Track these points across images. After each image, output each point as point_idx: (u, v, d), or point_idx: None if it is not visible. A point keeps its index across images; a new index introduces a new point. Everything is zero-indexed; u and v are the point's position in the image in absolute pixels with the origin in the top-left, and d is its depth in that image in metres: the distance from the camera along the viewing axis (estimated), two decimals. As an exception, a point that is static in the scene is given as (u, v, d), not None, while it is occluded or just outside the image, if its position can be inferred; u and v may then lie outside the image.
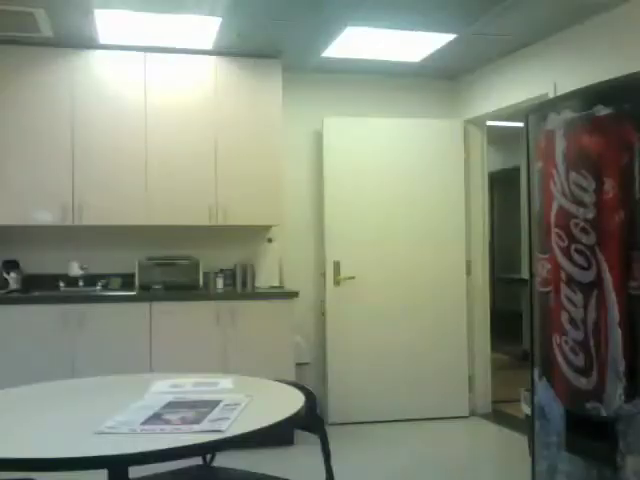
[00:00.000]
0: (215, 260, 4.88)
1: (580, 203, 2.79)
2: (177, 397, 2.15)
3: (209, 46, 4.48)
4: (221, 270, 4.76)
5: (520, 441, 4.17)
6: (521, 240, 7.46)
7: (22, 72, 4.35)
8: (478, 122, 5.27)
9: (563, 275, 2.89)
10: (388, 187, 5.04)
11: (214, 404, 2.02)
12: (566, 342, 2.89)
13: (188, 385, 2.35)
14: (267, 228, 4.97)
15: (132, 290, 4.52)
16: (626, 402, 2.62)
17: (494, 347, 5.42)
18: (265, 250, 4.84)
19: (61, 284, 4.59)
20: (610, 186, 2.67)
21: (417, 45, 4.49)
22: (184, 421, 1.85)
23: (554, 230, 2.93)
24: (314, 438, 2.21)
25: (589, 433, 2.78)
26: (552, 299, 2.97)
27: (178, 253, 4.79)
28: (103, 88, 4.45)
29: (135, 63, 4.50)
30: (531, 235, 3.18)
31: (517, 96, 4.63)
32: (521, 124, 3.34)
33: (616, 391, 2.66)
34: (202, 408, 1.97)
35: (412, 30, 4.16)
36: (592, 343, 2.76)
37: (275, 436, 4.13)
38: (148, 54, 4.51)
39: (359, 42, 4.40)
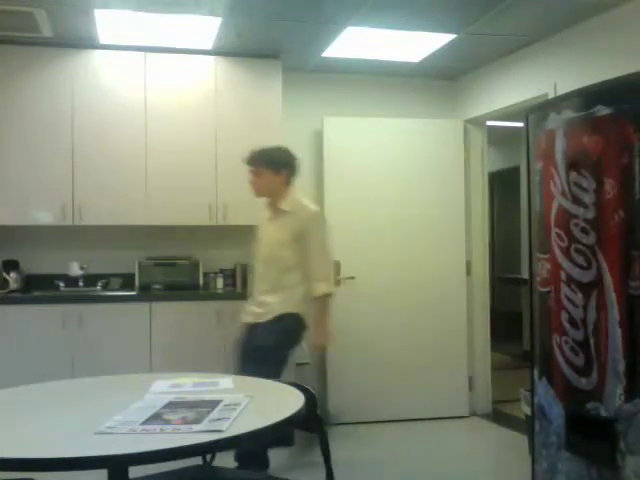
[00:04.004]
0: (215, 260, 4.87)
1: (580, 203, 2.79)
2: (177, 397, 2.15)
3: (209, 46, 4.48)
4: (221, 270, 4.76)
5: (520, 441, 4.17)
6: (521, 240, 7.46)
7: (22, 72, 4.35)
8: (478, 122, 5.26)
9: (563, 275, 2.88)
10: (388, 187, 5.03)
11: (214, 404, 2.02)
12: (566, 342, 2.89)
13: (188, 385, 2.35)
14: (267, 228, 4.96)
15: (132, 290, 4.52)
16: (626, 402, 2.62)
17: (494, 347, 5.42)
18: (265, 250, 4.82)
19: (61, 284, 4.60)
20: (610, 186, 2.66)
21: (417, 45, 4.49)
22: (184, 421, 1.85)
23: (554, 230, 2.93)
24: (314, 438, 2.21)
25: (589, 433, 2.78)
26: (552, 299, 2.97)
27: (178, 253, 4.79)
28: (103, 88, 4.45)
29: (135, 63, 4.50)
30: (531, 235, 3.18)
31: (517, 96, 4.63)
32: (521, 124, 3.34)
33: (616, 391, 2.66)
34: (202, 408, 1.97)
35: (412, 30, 4.16)
36: (592, 343, 2.76)
37: (275, 436, 4.12)
38: (148, 54, 4.51)
39: (359, 42, 4.40)
